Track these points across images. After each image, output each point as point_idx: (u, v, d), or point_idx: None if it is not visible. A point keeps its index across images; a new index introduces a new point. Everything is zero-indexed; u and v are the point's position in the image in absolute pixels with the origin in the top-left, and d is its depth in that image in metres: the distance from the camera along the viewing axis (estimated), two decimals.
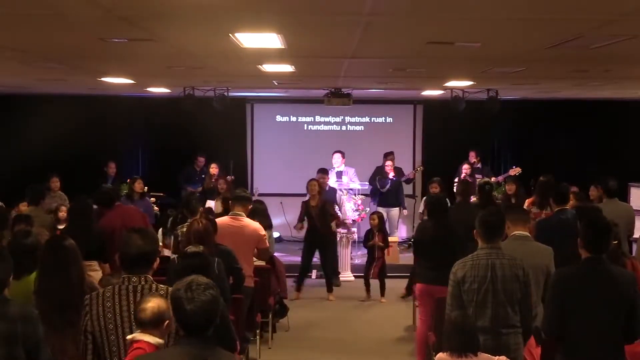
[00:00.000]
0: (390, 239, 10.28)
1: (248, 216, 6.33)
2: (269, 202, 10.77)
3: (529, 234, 4.97)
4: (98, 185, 10.25)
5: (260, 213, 7.20)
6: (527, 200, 8.44)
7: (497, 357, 3.77)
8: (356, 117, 13.57)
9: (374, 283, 8.94)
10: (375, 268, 8.80)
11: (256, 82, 9.68)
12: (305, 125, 13.66)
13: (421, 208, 9.64)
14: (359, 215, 10.08)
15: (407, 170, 11.89)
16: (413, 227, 10.10)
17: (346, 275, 9.97)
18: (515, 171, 10.79)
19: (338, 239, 9.94)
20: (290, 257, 10.81)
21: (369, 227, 9.13)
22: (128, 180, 10.02)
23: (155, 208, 10.19)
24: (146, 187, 10.33)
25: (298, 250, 10.13)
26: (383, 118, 13.66)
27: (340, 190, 10.25)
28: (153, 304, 3.07)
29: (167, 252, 6.93)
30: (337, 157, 11.06)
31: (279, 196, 12.01)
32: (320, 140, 13.15)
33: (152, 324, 3.04)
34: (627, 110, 12.97)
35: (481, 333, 3.92)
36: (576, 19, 4.22)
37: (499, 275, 4.11)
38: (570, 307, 3.83)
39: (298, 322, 7.86)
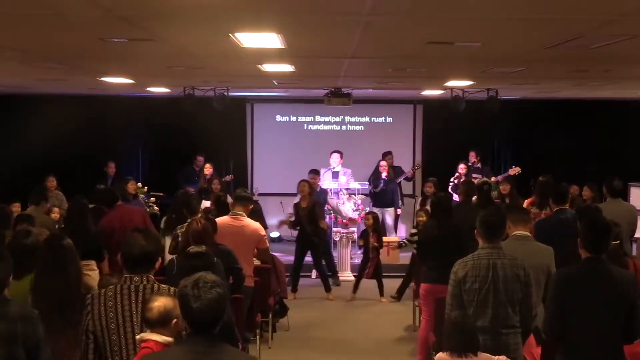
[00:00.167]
0: (388, 239, 10.32)
1: None
2: (269, 202, 10.85)
3: (529, 234, 4.96)
4: (98, 185, 10.30)
5: (255, 214, 7.20)
6: (526, 201, 8.44)
7: (497, 357, 3.77)
8: (356, 117, 13.58)
9: (367, 283, 8.93)
10: (370, 268, 8.80)
11: (256, 82, 9.68)
12: (305, 125, 13.67)
13: (417, 207, 9.66)
14: (358, 215, 10.08)
15: (407, 170, 11.89)
16: (413, 226, 10.08)
17: (346, 274, 9.97)
18: (515, 171, 10.79)
19: (338, 239, 9.95)
20: (290, 257, 10.76)
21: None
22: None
23: (155, 208, 10.19)
24: (146, 187, 10.34)
25: None
26: (383, 118, 13.67)
27: (341, 190, 10.24)
28: (159, 303, 3.08)
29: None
30: (335, 157, 11.05)
31: (279, 196, 12.01)
32: (320, 140, 13.16)
33: (159, 323, 3.07)
34: (627, 110, 12.98)
35: (481, 333, 3.92)
36: (576, 19, 4.22)
37: (500, 275, 4.11)
38: (570, 307, 3.83)
39: (298, 322, 7.86)
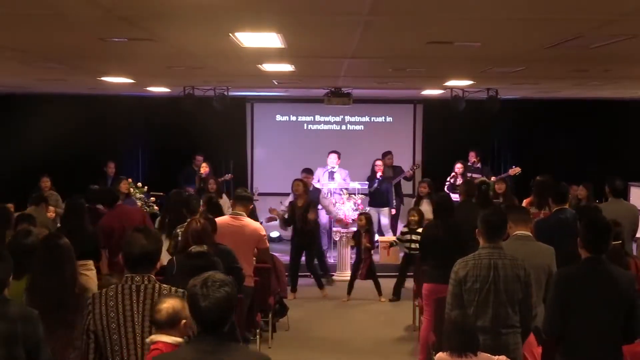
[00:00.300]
0: (384, 238, 10.32)
1: None
2: (269, 202, 10.81)
3: (530, 234, 4.96)
4: (98, 185, 10.29)
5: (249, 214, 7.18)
6: (524, 200, 8.43)
7: (497, 356, 3.77)
8: (356, 117, 13.58)
9: (365, 283, 8.91)
10: (363, 269, 8.78)
11: (256, 82, 9.68)
12: (305, 124, 13.67)
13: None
14: (358, 214, 10.07)
15: (407, 170, 11.89)
16: (404, 225, 10.07)
17: (345, 274, 9.94)
18: (514, 171, 10.79)
19: (337, 239, 9.95)
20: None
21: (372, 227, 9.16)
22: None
23: (156, 208, 10.18)
24: (146, 187, 10.34)
25: None
26: (383, 118, 13.67)
27: (341, 190, 10.24)
28: (168, 304, 3.10)
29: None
30: (333, 157, 11.03)
31: (278, 195, 11.99)
32: (320, 140, 13.15)
33: (168, 325, 3.08)
34: (627, 110, 12.98)
35: (481, 333, 3.92)
36: (576, 19, 4.22)
37: (501, 275, 4.10)
38: (570, 307, 3.83)
39: (298, 322, 7.86)
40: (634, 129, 12.95)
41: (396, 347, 7.22)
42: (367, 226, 8.89)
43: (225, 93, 10.53)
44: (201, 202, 6.96)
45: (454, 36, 4.97)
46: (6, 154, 12.55)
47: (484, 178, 10.37)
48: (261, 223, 6.98)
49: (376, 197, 11.12)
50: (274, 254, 7.59)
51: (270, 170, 13.28)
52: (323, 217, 10.46)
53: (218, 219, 5.89)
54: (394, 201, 11.51)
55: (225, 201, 9.29)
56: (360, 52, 5.93)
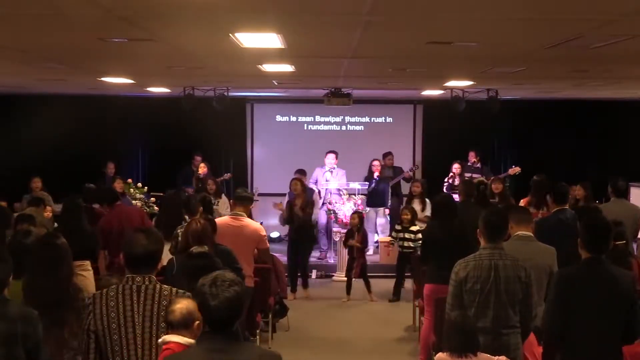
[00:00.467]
0: (385, 239, 10.32)
1: None
2: (269, 202, 10.82)
3: (532, 234, 4.96)
4: (97, 185, 10.29)
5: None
6: (522, 200, 8.42)
7: (497, 357, 3.77)
8: (356, 117, 13.58)
9: (360, 285, 8.93)
10: (357, 268, 8.80)
11: (256, 82, 9.68)
12: (305, 125, 13.68)
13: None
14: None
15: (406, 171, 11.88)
16: (397, 223, 10.05)
17: (345, 275, 9.96)
18: (514, 171, 10.79)
19: (337, 239, 9.94)
20: None
21: (370, 226, 9.16)
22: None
23: (156, 208, 10.18)
24: (146, 187, 10.34)
25: None
26: (383, 118, 13.67)
27: (340, 191, 10.23)
28: (182, 305, 3.11)
29: None
30: (330, 157, 11.01)
31: (278, 196, 11.98)
32: (320, 140, 13.14)
33: (181, 325, 3.09)
34: (627, 110, 12.98)
35: (482, 333, 3.91)
36: (576, 19, 4.22)
37: (502, 276, 4.10)
38: (570, 307, 3.83)
39: (298, 322, 7.86)
40: (634, 129, 12.95)
41: (396, 347, 7.22)
42: (358, 225, 8.90)
43: (225, 93, 10.54)
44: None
45: (454, 36, 4.98)
46: (6, 154, 12.55)
47: (483, 178, 10.36)
48: (261, 223, 6.99)
49: (373, 197, 11.11)
50: (274, 254, 7.59)
51: (270, 171, 13.28)
52: (323, 218, 10.47)
53: (218, 220, 5.89)
54: (390, 201, 11.52)
55: (224, 201, 9.29)
56: (360, 52, 5.93)
